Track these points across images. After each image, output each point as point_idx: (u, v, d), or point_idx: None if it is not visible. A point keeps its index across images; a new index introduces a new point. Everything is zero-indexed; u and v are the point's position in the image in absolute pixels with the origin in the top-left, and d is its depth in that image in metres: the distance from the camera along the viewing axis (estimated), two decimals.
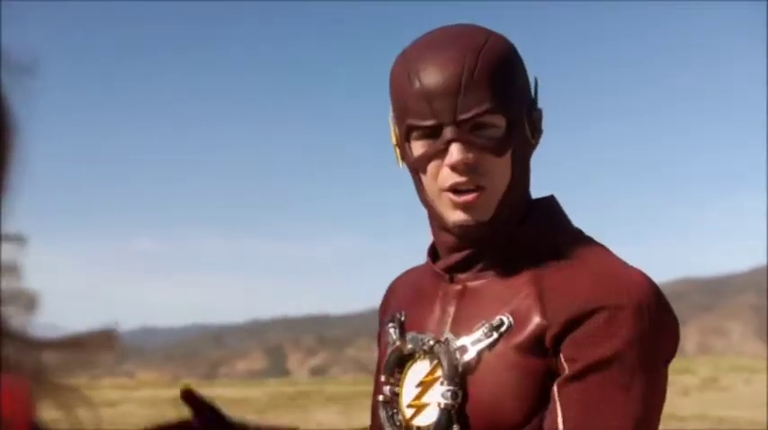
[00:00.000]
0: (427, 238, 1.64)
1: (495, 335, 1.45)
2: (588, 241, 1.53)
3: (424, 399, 1.50)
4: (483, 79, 1.45)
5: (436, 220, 1.55)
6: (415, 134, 1.49)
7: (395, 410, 1.55)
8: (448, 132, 1.45)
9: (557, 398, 1.39)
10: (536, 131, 1.54)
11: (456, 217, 1.49)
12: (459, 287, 1.55)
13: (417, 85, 1.46)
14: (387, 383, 1.56)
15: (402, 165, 1.57)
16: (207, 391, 1.55)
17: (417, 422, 1.51)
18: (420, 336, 1.54)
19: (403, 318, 1.61)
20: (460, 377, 1.45)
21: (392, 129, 1.57)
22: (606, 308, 1.38)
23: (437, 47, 1.48)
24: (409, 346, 1.55)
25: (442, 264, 1.58)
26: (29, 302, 0.64)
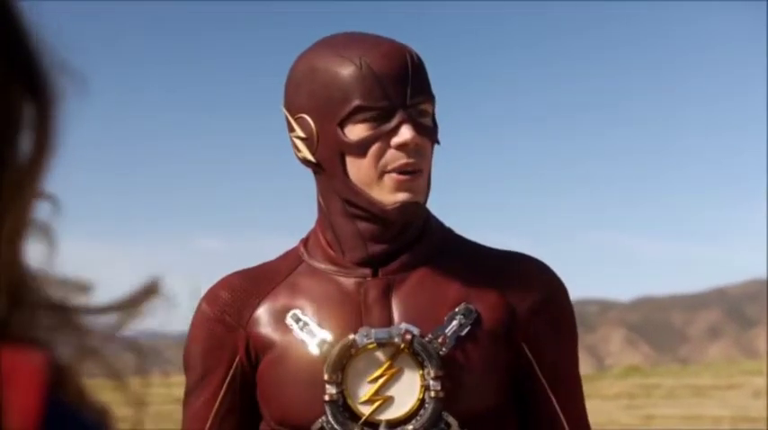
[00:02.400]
0: None
1: (469, 324, 1.53)
2: (461, 235, 1.67)
3: (386, 393, 1.52)
4: (422, 71, 1.56)
5: (361, 208, 1.55)
6: (358, 117, 1.51)
7: (344, 409, 1.51)
8: (400, 114, 1.51)
9: (546, 386, 1.58)
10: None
11: (398, 197, 1.52)
12: (385, 280, 1.57)
13: (367, 69, 1.51)
14: (331, 382, 1.51)
15: (311, 158, 1.57)
16: None
17: (383, 416, 1.51)
18: (385, 330, 1.52)
19: (308, 317, 1.56)
20: (443, 366, 1.50)
21: (296, 122, 1.58)
22: (555, 295, 1.61)
23: (373, 39, 1.57)
24: (366, 341, 1.51)
25: (358, 256, 1.58)
26: (81, 288, 0.62)
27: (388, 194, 1.52)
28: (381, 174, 1.52)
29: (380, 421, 1.51)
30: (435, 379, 1.50)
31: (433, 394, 1.50)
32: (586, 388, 1.68)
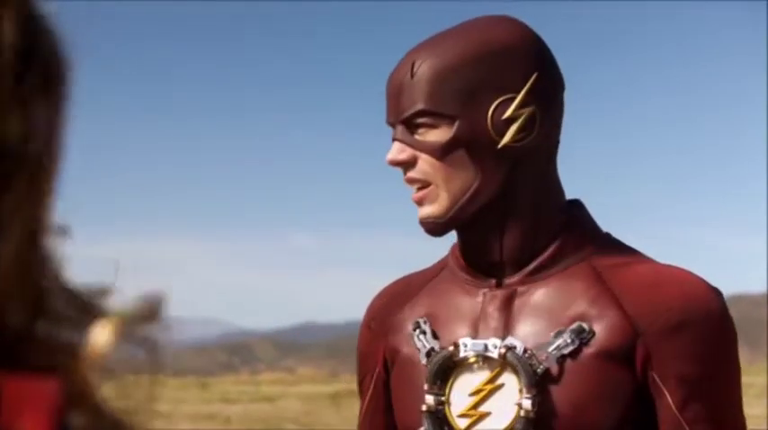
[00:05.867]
0: None
1: (578, 342, 1.42)
2: (621, 244, 1.54)
3: (483, 408, 1.46)
4: (422, 80, 1.44)
5: None
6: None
7: (442, 421, 1.47)
8: (394, 132, 1.49)
9: (684, 424, 1.40)
10: (521, 130, 1.45)
11: (419, 213, 1.50)
12: (506, 291, 1.49)
13: (387, 82, 1.51)
14: (431, 392, 1.47)
15: None
16: None
17: None
18: (482, 343, 1.46)
19: (428, 325, 1.53)
20: (540, 384, 1.41)
21: None
22: (694, 321, 1.42)
23: (412, 49, 1.52)
24: (465, 353, 1.46)
25: (473, 261, 1.53)
26: (102, 294, 0.60)
27: None
28: None
29: None
30: (527, 397, 1.40)
31: (522, 413, 1.41)
32: None
